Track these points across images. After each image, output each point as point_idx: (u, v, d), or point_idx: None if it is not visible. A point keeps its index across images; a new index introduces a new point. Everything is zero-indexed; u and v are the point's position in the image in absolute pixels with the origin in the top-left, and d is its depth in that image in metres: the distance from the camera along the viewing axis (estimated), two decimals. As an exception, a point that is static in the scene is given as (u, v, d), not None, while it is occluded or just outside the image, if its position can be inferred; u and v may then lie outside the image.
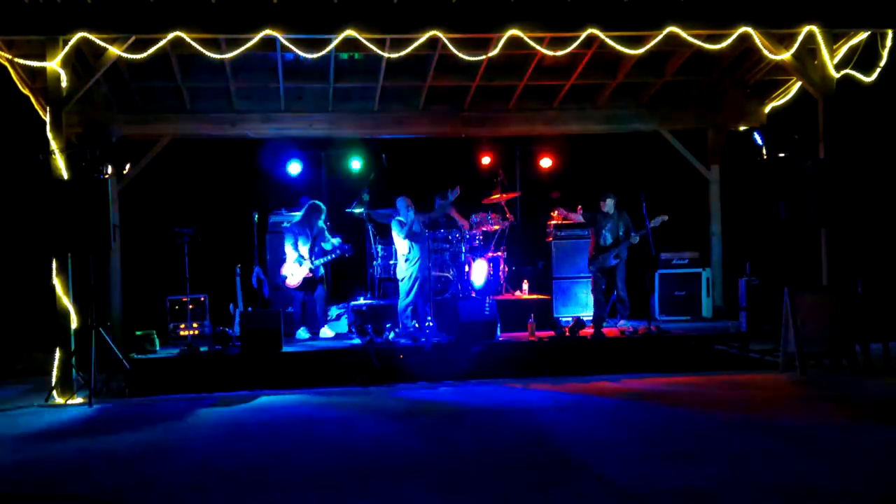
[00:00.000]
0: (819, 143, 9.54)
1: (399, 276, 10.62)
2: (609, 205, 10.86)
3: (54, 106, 8.82)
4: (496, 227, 11.66)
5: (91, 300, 8.76)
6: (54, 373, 8.62)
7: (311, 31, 9.11)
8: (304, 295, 10.69)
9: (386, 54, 9.56)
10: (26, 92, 9.77)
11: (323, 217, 10.76)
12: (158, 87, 11.22)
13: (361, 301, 11.25)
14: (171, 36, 8.78)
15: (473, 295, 11.03)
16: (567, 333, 9.97)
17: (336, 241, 10.74)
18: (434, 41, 9.28)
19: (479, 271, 11.31)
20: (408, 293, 10.47)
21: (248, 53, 9.37)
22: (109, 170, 8.87)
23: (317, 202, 10.85)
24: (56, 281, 8.68)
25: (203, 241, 9.78)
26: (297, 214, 11.51)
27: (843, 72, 9.62)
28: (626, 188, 11.07)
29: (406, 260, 10.48)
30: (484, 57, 10.02)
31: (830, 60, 9.42)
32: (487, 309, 9.87)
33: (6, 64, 9.22)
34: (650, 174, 12.34)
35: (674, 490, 4.86)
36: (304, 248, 10.57)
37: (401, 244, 10.52)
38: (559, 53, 9.87)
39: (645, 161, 12.77)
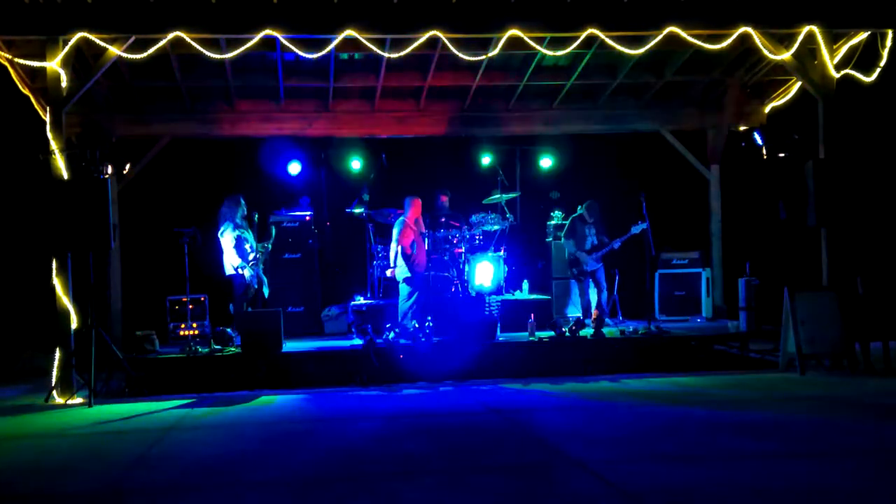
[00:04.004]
0: (819, 143, 9.54)
1: (399, 278, 10.60)
2: (594, 212, 10.98)
3: (54, 106, 8.82)
4: (496, 227, 11.66)
5: (91, 300, 8.77)
6: (54, 373, 8.61)
7: (311, 31, 9.11)
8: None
9: (386, 54, 9.55)
10: (26, 92, 9.77)
11: (241, 212, 10.23)
12: (158, 87, 11.22)
13: (361, 301, 11.25)
14: (171, 36, 8.78)
15: (473, 295, 11.03)
16: (567, 333, 9.97)
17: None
18: (434, 41, 9.28)
19: (479, 271, 11.31)
20: (409, 295, 10.45)
21: (248, 53, 9.37)
22: (109, 170, 8.87)
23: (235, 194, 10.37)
24: (56, 281, 8.67)
25: (203, 241, 9.77)
26: (297, 214, 11.58)
27: (843, 72, 9.62)
28: (626, 188, 11.08)
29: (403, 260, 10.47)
30: (484, 57, 10.02)
31: (830, 60, 9.42)
32: (487, 309, 9.87)
33: (6, 64, 9.21)
34: (650, 174, 12.35)
35: (673, 490, 4.86)
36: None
37: (395, 244, 10.51)
38: (559, 53, 9.88)
39: (645, 161, 12.77)
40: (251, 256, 10.12)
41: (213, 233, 10.18)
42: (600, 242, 11.01)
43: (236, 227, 10.15)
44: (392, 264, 10.52)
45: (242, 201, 10.31)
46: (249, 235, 10.27)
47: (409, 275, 10.43)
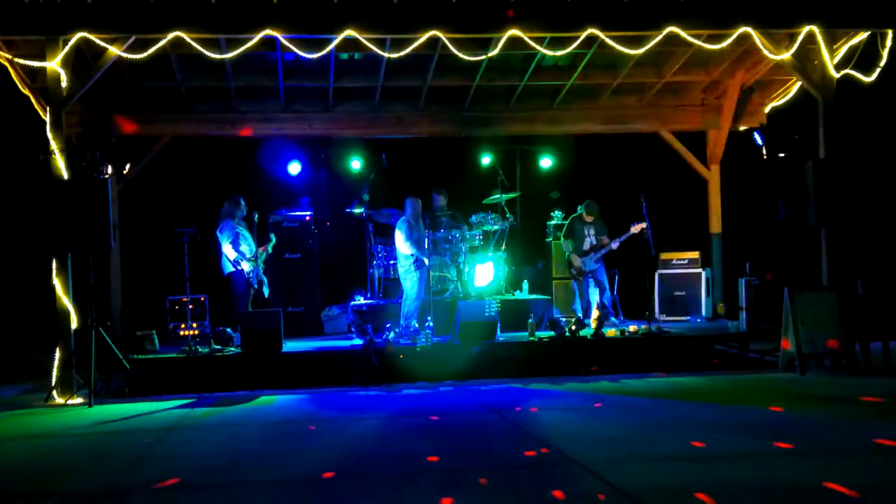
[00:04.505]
0: (819, 143, 9.54)
1: (403, 279, 10.57)
2: (593, 212, 10.99)
3: (54, 106, 8.82)
4: (496, 227, 11.65)
5: (91, 300, 8.77)
6: (54, 373, 8.62)
7: (311, 31, 9.11)
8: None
9: (386, 54, 9.56)
10: (26, 92, 9.78)
11: (241, 213, 10.34)
12: (158, 87, 11.22)
13: (361, 301, 11.24)
14: (171, 36, 8.78)
15: (473, 295, 11.02)
16: (567, 333, 9.97)
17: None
18: (434, 41, 9.28)
19: (479, 271, 11.30)
20: (415, 297, 10.42)
21: (248, 53, 9.37)
22: (109, 170, 8.87)
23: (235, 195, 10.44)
24: (56, 281, 8.68)
25: (203, 241, 9.78)
26: (297, 214, 11.58)
27: (843, 72, 9.62)
28: (626, 188, 11.08)
29: (409, 261, 10.44)
30: (484, 57, 10.02)
31: (830, 60, 9.42)
32: (487, 309, 9.86)
33: (6, 64, 9.22)
34: (650, 174, 12.35)
35: (673, 489, 4.86)
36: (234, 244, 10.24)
37: (402, 245, 10.49)
38: (559, 53, 9.88)
39: (645, 161, 12.78)
40: (248, 255, 10.13)
41: (213, 233, 10.19)
42: (599, 242, 11.02)
43: (236, 227, 10.17)
44: (414, 265, 10.45)
45: (242, 202, 10.34)
46: (248, 236, 10.28)
47: (416, 277, 10.38)
